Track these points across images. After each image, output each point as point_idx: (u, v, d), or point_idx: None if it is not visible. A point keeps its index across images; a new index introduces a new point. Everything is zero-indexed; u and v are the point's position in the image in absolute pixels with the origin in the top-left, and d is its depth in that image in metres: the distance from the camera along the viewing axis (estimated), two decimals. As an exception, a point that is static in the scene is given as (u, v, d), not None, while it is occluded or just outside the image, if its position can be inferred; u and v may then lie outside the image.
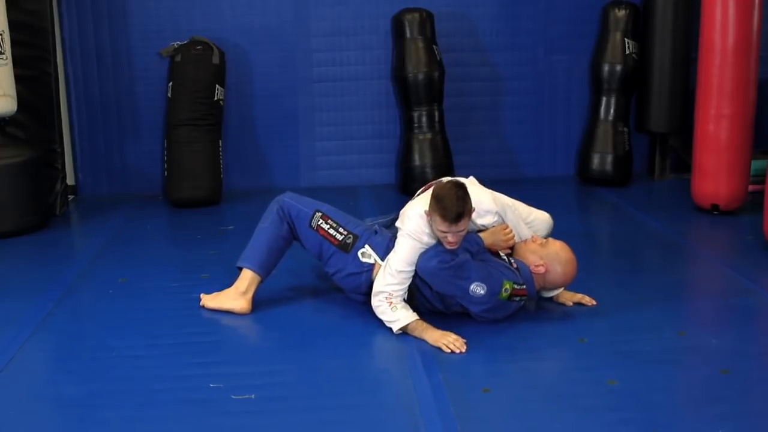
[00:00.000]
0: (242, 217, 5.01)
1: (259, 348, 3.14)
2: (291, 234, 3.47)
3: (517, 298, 3.20)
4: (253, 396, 2.70)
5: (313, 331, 3.28)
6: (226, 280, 3.79)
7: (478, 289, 3.09)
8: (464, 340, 3.04)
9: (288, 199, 3.47)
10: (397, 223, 3.34)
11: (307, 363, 2.97)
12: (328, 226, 3.39)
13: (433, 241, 3.16)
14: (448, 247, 3.11)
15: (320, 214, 3.41)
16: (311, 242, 3.42)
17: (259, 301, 3.54)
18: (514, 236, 3.34)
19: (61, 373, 3.01)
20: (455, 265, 3.08)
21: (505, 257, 3.29)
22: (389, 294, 3.16)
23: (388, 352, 3.13)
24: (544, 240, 3.35)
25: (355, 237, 3.37)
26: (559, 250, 3.31)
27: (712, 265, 4.03)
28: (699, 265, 4.14)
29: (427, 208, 3.13)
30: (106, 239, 4.62)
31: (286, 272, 3.80)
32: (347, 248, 3.36)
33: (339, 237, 3.37)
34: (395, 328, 3.15)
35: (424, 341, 3.07)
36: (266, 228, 3.46)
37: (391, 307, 3.15)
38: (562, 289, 3.43)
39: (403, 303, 3.18)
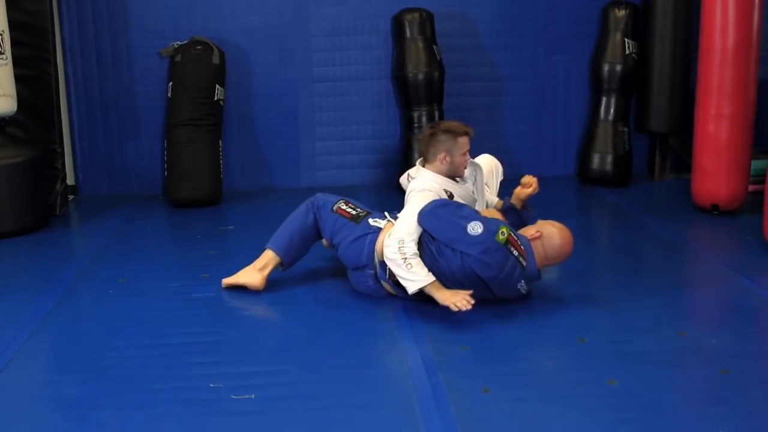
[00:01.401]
0: (242, 217, 5.02)
1: (260, 348, 3.14)
2: (315, 227, 3.67)
3: (516, 253, 3.23)
4: (253, 396, 2.70)
5: (314, 330, 3.28)
6: (226, 280, 3.82)
7: (476, 227, 3.20)
8: (471, 299, 3.16)
9: (320, 194, 3.75)
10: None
11: (307, 363, 2.97)
12: (346, 207, 3.61)
13: (436, 186, 3.48)
14: (464, 168, 3.58)
15: (343, 200, 3.65)
16: (328, 223, 3.61)
17: (259, 301, 3.55)
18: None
19: (61, 373, 3.01)
20: (453, 203, 3.29)
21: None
22: (401, 240, 3.26)
23: (388, 352, 3.13)
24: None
25: (368, 213, 3.58)
26: (551, 221, 3.44)
27: (712, 265, 4.03)
28: (699, 265, 4.14)
29: (427, 184, 3.48)
30: (106, 239, 4.62)
31: (287, 273, 3.80)
32: (358, 220, 3.56)
33: (353, 213, 3.59)
34: (411, 289, 3.24)
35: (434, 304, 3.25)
36: (294, 217, 3.70)
37: (406, 263, 3.24)
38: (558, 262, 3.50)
39: (418, 260, 3.25)
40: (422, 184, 3.51)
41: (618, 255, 4.29)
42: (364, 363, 3.01)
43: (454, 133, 3.52)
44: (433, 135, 3.54)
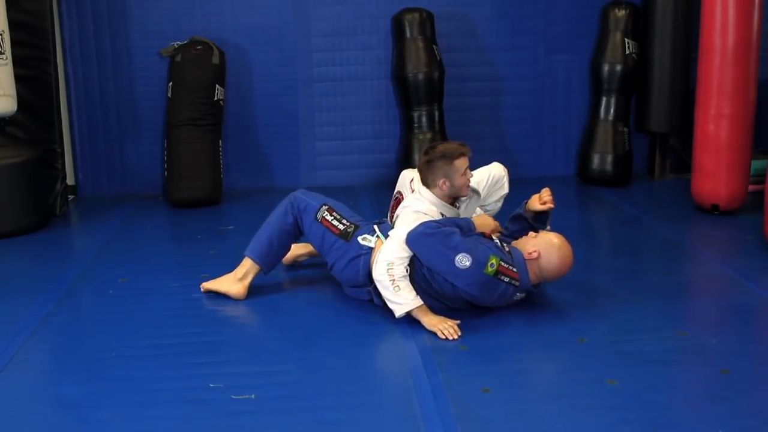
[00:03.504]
0: (242, 217, 5.02)
1: (259, 348, 3.14)
2: (296, 228, 3.58)
3: (507, 279, 3.16)
4: (253, 396, 2.70)
5: (313, 330, 3.28)
6: (226, 280, 3.82)
7: (464, 260, 3.11)
8: (458, 329, 3.12)
9: (299, 194, 3.61)
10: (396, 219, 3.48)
11: (307, 363, 2.97)
12: (332, 218, 3.50)
13: (434, 209, 3.37)
14: (468, 188, 3.44)
15: (326, 207, 3.53)
16: (314, 234, 3.53)
17: (258, 301, 3.55)
18: (499, 231, 3.45)
19: (61, 373, 3.01)
20: (441, 232, 3.15)
21: (497, 241, 3.30)
22: (390, 263, 3.19)
23: (388, 352, 3.13)
24: (537, 233, 3.37)
25: (356, 227, 3.48)
26: (552, 237, 3.30)
27: (712, 265, 4.03)
28: (699, 265, 4.14)
29: (424, 206, 3.36)
30: (106, 239, 4.62)
31: (286, 272, 3.80)
32: (347, 237, 3.46)
33: (341, 227, 3.47)
34: (398, 312, 3.20)
35: (421, 325, 3.18)
36: (272, 221, 3.60)
37: (394, 286, 3.18)
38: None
39: (406, 283, 3.19)
40: (418, 206, 3.40)
41: (618, 255, 4.29)
42: (364, 363, 3.01)
43: (450, 158, 3.37)
44: (429, 162, 3.41)
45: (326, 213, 3.51)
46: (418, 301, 3.18)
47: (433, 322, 3.14)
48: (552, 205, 3.42)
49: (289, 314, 3.49)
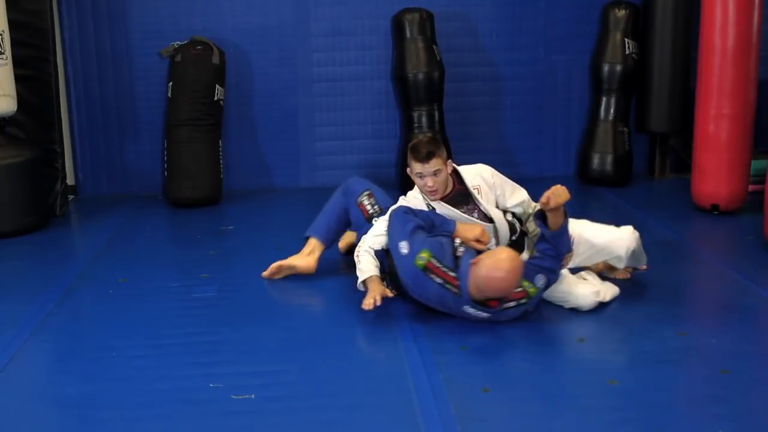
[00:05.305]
0: (242, 217, 5.02)
1: (259, 348, 3.14)
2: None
3: (439, 280, 3.10)
4: (253, 396, 2.70)
5: (314, 330, 3.28)
6: (226, 280, 3.82)
7: (404, 246, 3.21)
8: (379, 301, 3.22)
9: (351, 180, 3.89)
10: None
11: (308, 363, 2.97)
12: (368, 202, 3.74)
13: (424, 204, 3.44)
14: (429, 194, 3.41)
15: (367, 192, 3.77)
16: (354, 217, 3.78)
17: (258, 301, 3.56)
18: (487, 242, 3.30)
19: (61, 373, 3.01)
20: (404, 217, 3.29)
21: (457, 243, 3.25)
22: (363, 240, 3.47)
23: (389, 353, 3.12)
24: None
25: (381, 211, 3.66)
26: (502, 251, 3.14)
27: (712, 265, 4.03)
28: (699, 265, 4.14)
29: (411, 195, 3.52)
30: (106, 239, 4.62)
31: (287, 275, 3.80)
32: (370, 219, 3.67)
33: (370, 210, 3.71)
34: (358, 282, 3.40)
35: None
36: (330, 205, 3.89)
37: (358, 260, 3.42)
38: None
39: (367, 257, 3.41)
40: (410, 194, 3.55)
41: (618, 255, 4.28)
42: (363, 363, 3.01)
43: (411, 153, 3.41)
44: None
45: (365, 198, 3.75)
46: (371, 272, 3.36)
47: (369, 293, 3.30)
48: (550, 199, 3.14)
49: (289, 314, 3.50)
